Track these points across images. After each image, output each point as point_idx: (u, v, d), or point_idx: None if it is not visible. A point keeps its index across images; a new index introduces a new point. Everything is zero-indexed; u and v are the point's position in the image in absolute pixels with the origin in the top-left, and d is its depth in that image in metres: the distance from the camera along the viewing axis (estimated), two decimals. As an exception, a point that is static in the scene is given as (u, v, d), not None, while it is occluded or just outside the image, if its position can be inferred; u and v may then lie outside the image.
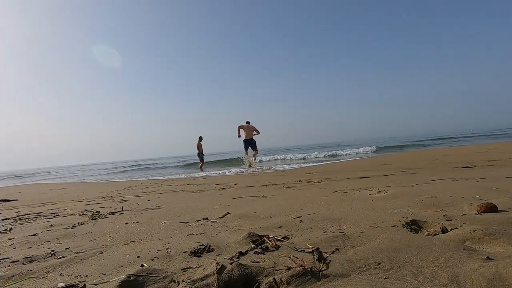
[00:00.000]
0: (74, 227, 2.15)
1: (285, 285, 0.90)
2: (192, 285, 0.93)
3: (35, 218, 2.64)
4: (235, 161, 16.45)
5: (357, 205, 2.16)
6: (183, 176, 9.73)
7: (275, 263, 1.09)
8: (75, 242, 1.68)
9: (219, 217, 2.14)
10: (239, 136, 10.50)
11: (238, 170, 9.67)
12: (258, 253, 1.23)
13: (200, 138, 13.35)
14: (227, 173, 9.09)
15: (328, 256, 1.12)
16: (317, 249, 1.16)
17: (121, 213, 2.67)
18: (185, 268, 1.11)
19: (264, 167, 9.83)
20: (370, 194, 2.66)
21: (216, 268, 0.97)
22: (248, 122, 10.69)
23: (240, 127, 10.51)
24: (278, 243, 1.34)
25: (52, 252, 1.47)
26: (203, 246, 1.37)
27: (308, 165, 9.89)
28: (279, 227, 1.68)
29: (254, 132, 10.59)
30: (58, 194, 5.39)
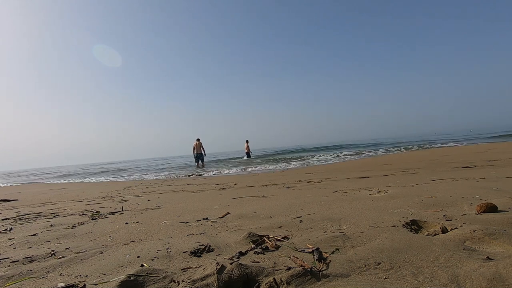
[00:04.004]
0: (74, 227, 2.14)
1: (285, 285, 0.90)
2: (192, 285, 0.93)
3: (35, 218, 2.64)
4: (235, 160, 18.06)
5: (357, 205, 2.16)
6: (183, 175, 9.73)
7: (275, 263, 1.09)
8: (75, 242, 1.68)
9: (219, 217, 2.14)
10: (246, 151, 18.67)
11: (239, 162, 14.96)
12: (258, 253, 1.23)
13: (198, 140, 13.87)
14: (227, 172, 9.12)
15: (328, 256, 1.12)
16: (317, 249, 1.16)
17: (121, 213, 2.67)
18: (185, 268, 1.11)
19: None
20: (370, 194, 2.66)
21: (216, 268, 0.97)
22: (247, 141, 18.58)
23: (245, 146, 18.66)
24: (278, 243, 1.34)
25: (52, 252, 1.47)
26: (203, 246, 1.37)
27: (308, 165, 9.90)
28: (279, 227, 1.69)
29: (250, 149, 18.81)
30: (58, 194, 5.39)
